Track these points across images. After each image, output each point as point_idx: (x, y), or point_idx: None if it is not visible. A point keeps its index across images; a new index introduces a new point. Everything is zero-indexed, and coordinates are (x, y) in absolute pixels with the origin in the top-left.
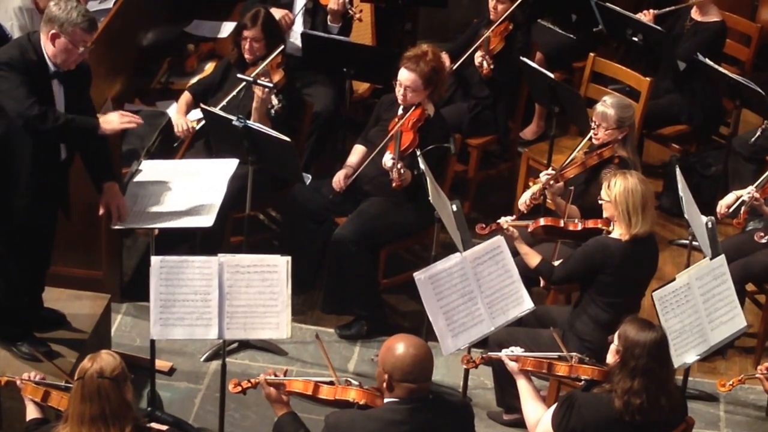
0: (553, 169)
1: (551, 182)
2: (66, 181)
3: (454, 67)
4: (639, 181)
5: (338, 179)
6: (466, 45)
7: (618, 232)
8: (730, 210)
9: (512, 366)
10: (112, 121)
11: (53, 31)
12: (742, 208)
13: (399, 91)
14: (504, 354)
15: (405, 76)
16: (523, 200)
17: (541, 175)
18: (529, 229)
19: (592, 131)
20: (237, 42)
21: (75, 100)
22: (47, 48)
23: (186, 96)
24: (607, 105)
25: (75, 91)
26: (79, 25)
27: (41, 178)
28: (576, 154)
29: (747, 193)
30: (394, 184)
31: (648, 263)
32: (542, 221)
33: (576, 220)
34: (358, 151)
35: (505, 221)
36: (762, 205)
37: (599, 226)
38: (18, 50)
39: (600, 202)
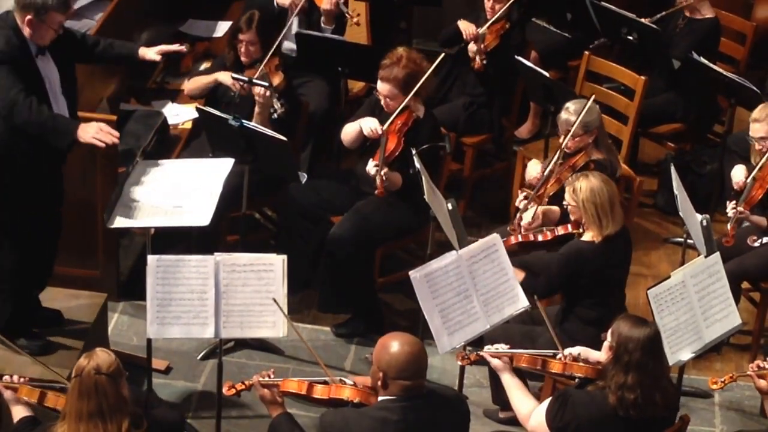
0: (530, 188)
1: (528, 205)
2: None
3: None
4: (602, 181)
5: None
6: (457, 37)
7: (590, 234)
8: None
9: (496, 363)
10: (88, 132)
11: (29, 17)
12: (729, 225)
13: (382, 101)
14: (486, 351)
15: (381, 87)
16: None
17: (517, 202)
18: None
19: (562, 142)
20: (233, 45)
21: (67, 71)
22: (24, 31)
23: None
24: (570, 112)
25: (66, 62)
26: (53, 8)
27: (44, 162)
28: (550, 168)
29: (731, 208)
30: (376, 192)
31: (624, 258)
32: (513, 239)
33: (545, 230)
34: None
35: None
36: (748, 216)
37: (570, 230)
38: (3, 40)
39: (566, 206)
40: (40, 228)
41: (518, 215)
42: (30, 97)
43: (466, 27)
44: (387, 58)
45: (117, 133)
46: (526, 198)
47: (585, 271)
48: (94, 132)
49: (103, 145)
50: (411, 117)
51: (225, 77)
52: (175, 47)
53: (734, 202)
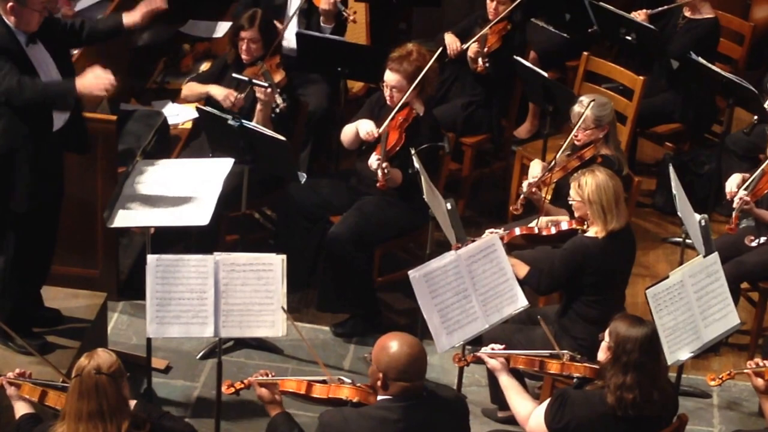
0: (534, 177)
1: (533, 190)
2: (61, 158)
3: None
4: (608, 176)
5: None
6: (464, 34)
7: (594, 230)
8: (738, 190)
9: (492, 364)
10: (88, 86)
11: (11, 4)
12: (734, 213)
13: (386, 93)
14: (483, 352)
15: (389, 77)
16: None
17: (523, 184)
18: (504, 240)
19: (572, 134)
20: (234, 43)
21: (62, 58)
22: (9, 20)
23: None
24: (583, 105)
25: (59, 49)
26: None
27: (40, 159)
28: (558, 158)
29: (737, 197)
30: (378, 185)
31: (628, 255)
32: (517, 231)
33: (549, 225)
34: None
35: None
36: (752, 208)
37: (574, 226)
38: None
39: (570, 202)
40: (40, 223)
41: (520, 198)
42: (19, 77)
43: (450, 42)
44: (396, 51)
45: (111, 76)
46: (530, 184)
47: (589, 266)
48: (93, 83)
49: (106, 93)
50: (412, 114)
51: (217, 91)
52: (157, 3)
53: (743, 189)
